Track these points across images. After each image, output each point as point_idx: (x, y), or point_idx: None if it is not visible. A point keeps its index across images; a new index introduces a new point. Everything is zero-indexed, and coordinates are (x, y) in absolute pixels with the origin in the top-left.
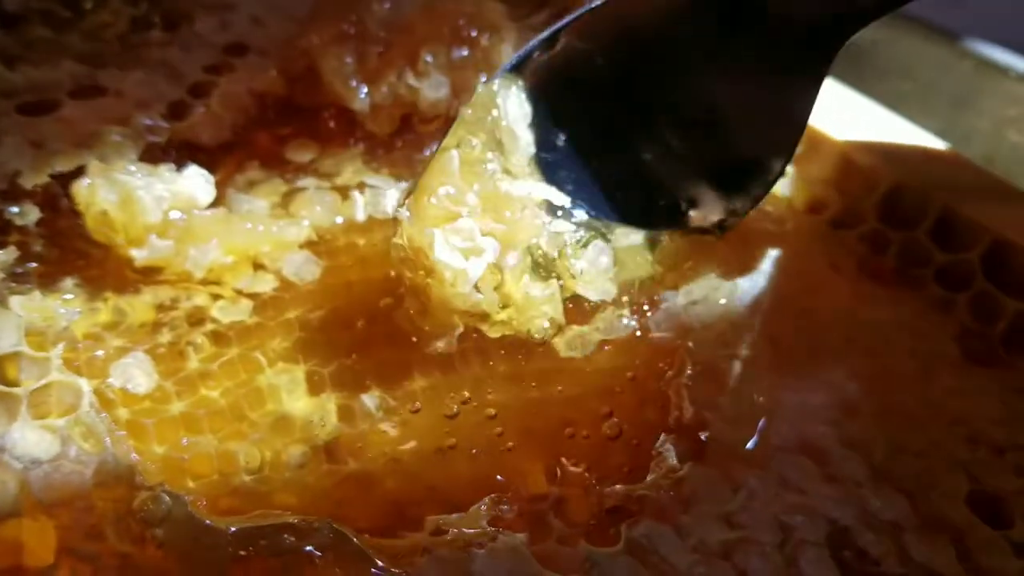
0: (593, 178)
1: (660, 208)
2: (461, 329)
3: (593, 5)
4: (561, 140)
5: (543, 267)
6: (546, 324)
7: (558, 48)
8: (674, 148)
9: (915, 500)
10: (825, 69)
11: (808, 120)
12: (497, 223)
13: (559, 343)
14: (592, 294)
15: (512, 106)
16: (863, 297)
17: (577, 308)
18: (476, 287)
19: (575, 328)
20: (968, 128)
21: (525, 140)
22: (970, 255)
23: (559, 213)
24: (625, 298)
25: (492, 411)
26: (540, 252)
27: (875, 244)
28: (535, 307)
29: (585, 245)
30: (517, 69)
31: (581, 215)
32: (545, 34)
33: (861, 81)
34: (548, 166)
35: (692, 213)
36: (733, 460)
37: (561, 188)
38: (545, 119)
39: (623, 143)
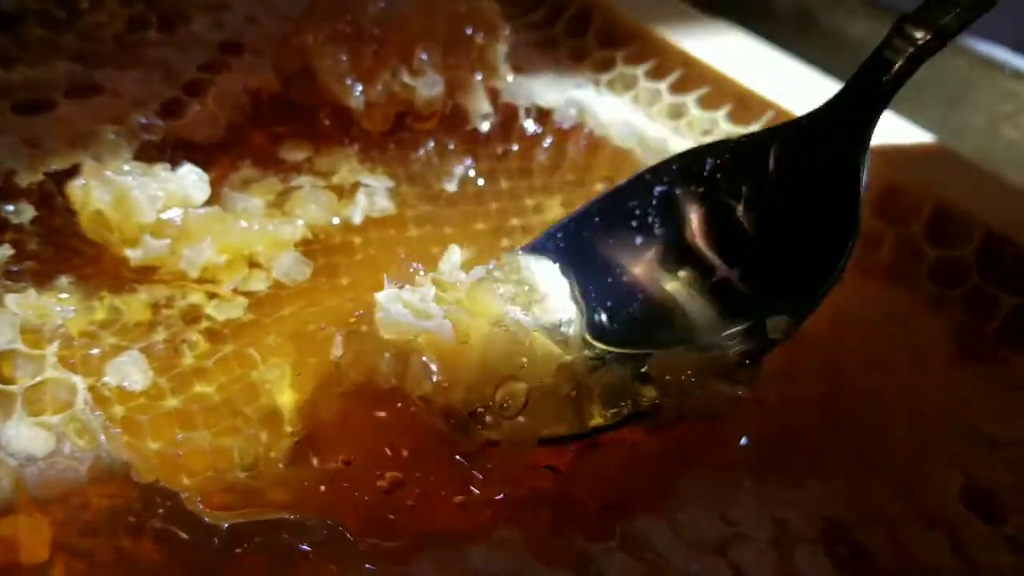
0: (632, 322)
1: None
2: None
3: (624, 183)
4: (601, 315)
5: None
6: None
7: (594, 220)
8: (720, 289)
9: (909, 495)
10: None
11: (852, 248)
12: (470, 314)
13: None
14: None
15: (539, 269)
16: (857, 294)
17: None
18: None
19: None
20: (963, 124)
21: (557, 306)
22: (964, 251)
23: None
24: None
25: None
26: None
27: (869, 240)
28: None
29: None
30: (543, 246)
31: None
32: (575, 213)
33: None
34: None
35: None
36: (727, 457)
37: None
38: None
39: (667, 299)
